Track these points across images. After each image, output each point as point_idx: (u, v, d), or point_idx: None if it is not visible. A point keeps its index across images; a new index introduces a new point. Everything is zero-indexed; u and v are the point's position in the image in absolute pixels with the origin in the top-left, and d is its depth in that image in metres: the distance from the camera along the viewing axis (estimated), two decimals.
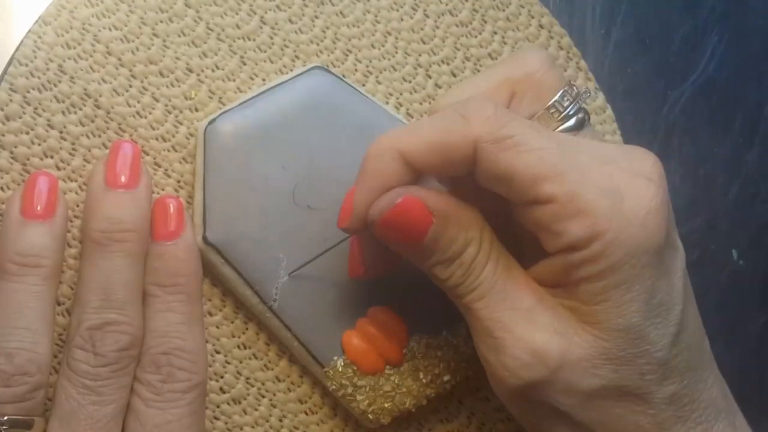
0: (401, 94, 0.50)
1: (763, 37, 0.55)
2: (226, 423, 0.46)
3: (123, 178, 0.43)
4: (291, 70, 0.48)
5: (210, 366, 0.46)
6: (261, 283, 0.45)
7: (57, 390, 0.41)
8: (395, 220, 0.40)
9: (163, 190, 0.46)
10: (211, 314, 0.46)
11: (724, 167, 0.53)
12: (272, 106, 0.46)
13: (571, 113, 0.41)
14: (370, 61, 0.50)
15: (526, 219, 0.39)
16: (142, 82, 0.46)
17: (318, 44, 0.49)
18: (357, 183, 0.41)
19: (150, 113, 0.47)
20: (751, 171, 0.54)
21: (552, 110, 0.41)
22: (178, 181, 0.47)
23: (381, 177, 0.40)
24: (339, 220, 0.42)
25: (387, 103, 0.49)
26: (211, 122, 0.46)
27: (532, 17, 0.51)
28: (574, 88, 0.41)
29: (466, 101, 0.40)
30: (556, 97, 0.41)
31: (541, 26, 0.51)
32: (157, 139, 0.46)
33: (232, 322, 0.46)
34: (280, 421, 0.47)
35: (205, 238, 0.45)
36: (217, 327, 0.46)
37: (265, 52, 0.48)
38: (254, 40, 0.48)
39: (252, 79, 0.48)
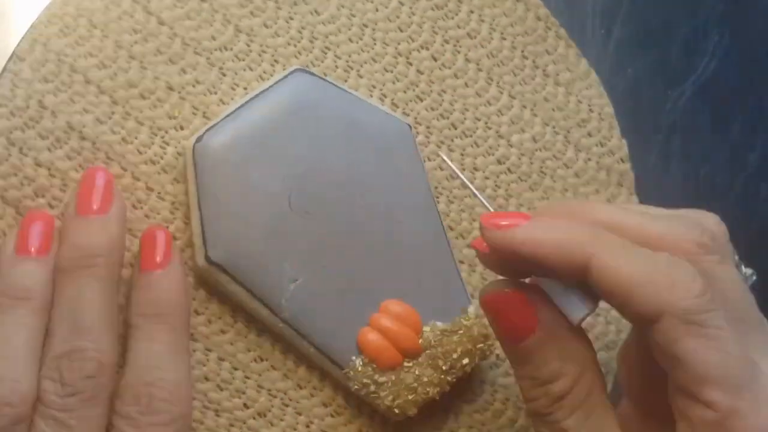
0: (384, 85, 0.49)
1: (763, 37, 0.55)
2: None
3: (93, 205, 0.43)
4: (271, 75, 0.47)
5: (230, 384, 0.46)
6: (269, 294, 0.46)
7: (31, 424, 0.40)
8: (498, 305, 0.38)
9: (158, 214, 0.45)
10: (223, 332, 0.46)
11: (724, 167, 0.54)
12: (257, 114, 0.45)
13: None
14: (350, 56, 0.48)
15: (674, 399, 0.37)
16: (124, 107, 0.45)
17: (295, 45, 0.47)
18: (535, 224, 0.38)
19: (136, 138, 0.45)
20: (751, 171, 0.55)
21: None
22: (173, 203, 0.46)
23: (551, 252, 0.37)
24: (486, 219, 0.39)
25: (371, 95, 0.49)
26: (198, 139, 0.45)
27: None
28: (743, 268, 0.40)
29: (681, 262, 0.37)
30: None
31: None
32: (146, 163, 0.45)
33: (245, 337, 0.47)
34: (308, 427, 0.48)
35: (207, 258, 0.45)
36: (231, 344, 0.47)
37: (243, 60, 0.47)
38: (231, 49, 0.46)
39: (233, 89, 0.47)
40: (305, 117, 0.46)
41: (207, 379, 0.46)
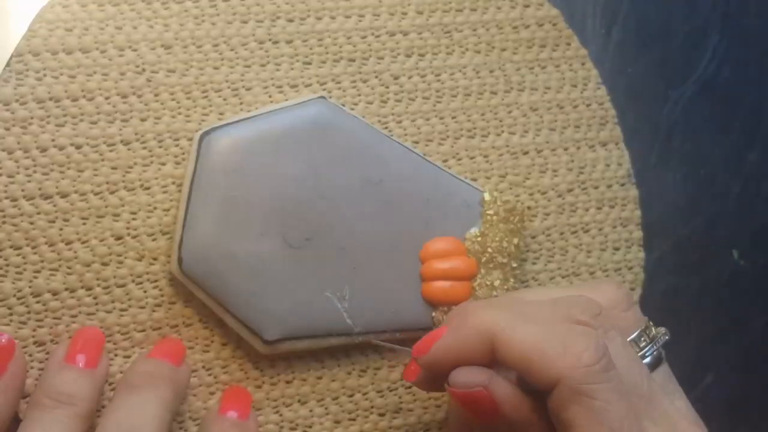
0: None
1: (763, 37, 0.55)
2: None
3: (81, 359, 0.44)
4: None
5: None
6: (252, 320, 0.46)
7: None
8: (466, 400, 0.39)
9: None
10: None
11: (724, 167, 0.53)
12: (271, 126, 0.46)
13: (647, 354, 0.41)
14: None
15: None
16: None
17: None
18: (447, 332, 0.40)
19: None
20: (751, 171, 0.55)
21: None
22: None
23: (466, 348, 0.39)
24: (416, 349, 0.41)
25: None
26: (206, 132, 0.46)
27: None
28: (652, 329, 0.41)
29: (576, 330, 0.38)
30: (632, 336, 0.41)
31: None
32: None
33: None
34: None
35: (180, 262, 0.45)
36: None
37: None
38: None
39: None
40: (318, 141, 0.47)
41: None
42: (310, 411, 0.48)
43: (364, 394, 0.48)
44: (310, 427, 0.48)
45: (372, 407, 0.49)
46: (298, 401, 0.48)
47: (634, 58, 0.54)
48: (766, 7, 0.55)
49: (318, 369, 0.48)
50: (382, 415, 0.49)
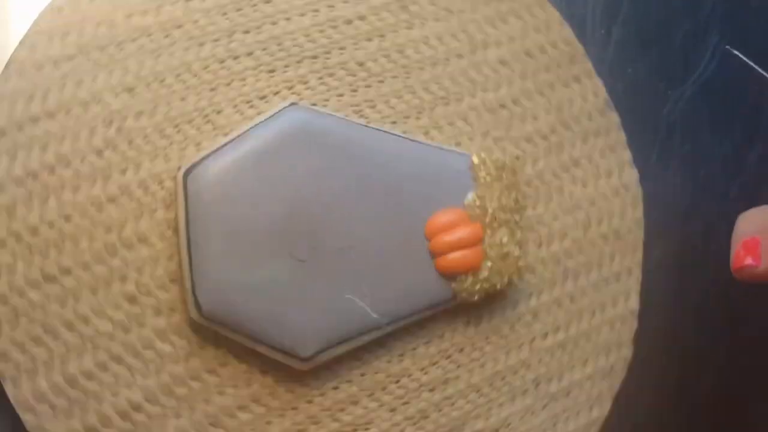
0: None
1: (763, 37, 0.53)
2: None
3: None
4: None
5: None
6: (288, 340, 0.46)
7: None
8: None
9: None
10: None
11: (724, 167, 0.53)
12: (253, 146, 0.45)
13: None
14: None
15: None
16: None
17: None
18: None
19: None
20: (751, 171, 0.54)
21: None
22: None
23: None
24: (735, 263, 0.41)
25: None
26: (188, 170, 0.44)
27: None
28: None
29: None
30: None
31: None
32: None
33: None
34: None
35: (198, 307, 0.45)
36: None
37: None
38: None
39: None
40: (302, 146, 0.45)
41: None
42: (365, 408, 0.50)
43: (409, 376, 0.50)
44: (371, 422, 0.50)
45: (420, 386, 0.51)
46: (351, 402, 0.50)
47: (634, 58, 0.52)
48: (766, 7, 0.53)
49: (359, 367, 0.49)
50: (431, 390, 0.51)
